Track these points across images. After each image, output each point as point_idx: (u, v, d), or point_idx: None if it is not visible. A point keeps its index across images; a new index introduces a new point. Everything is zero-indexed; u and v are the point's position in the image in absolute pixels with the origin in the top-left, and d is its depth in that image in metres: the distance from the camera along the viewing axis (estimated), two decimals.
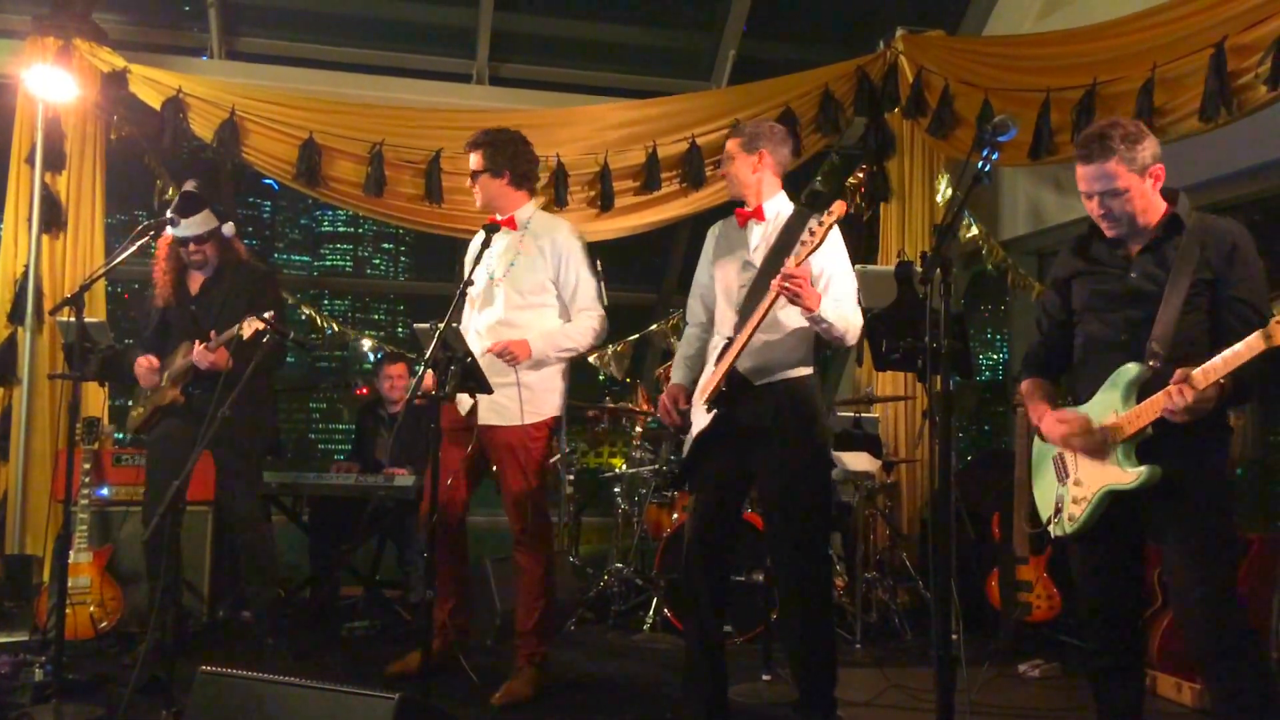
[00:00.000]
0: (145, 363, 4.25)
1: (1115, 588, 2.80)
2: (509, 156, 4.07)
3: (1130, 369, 2.64)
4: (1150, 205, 2.72)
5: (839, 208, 3.18)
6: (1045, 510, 2.88)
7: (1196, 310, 2.64)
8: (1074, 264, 2.88)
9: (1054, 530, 2.83)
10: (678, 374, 3.73)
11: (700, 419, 3.48)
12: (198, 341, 4.11)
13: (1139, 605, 2.88)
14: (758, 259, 3.48)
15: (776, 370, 3.43)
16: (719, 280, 3.60)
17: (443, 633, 4.08)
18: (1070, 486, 2.78)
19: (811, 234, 3.16)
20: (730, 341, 3.40)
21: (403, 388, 5.75)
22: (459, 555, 4.20)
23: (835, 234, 3.37)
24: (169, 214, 4.20)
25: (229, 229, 4.33)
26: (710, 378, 3.45)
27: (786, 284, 3.14)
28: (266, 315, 3.82)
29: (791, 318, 3.36)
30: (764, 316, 3.27)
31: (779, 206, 3.57)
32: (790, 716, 3.52)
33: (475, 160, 4.07)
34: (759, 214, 3.54)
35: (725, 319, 3.53)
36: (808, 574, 3.41)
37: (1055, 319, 2.95)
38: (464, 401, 3.91)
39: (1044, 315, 3.01)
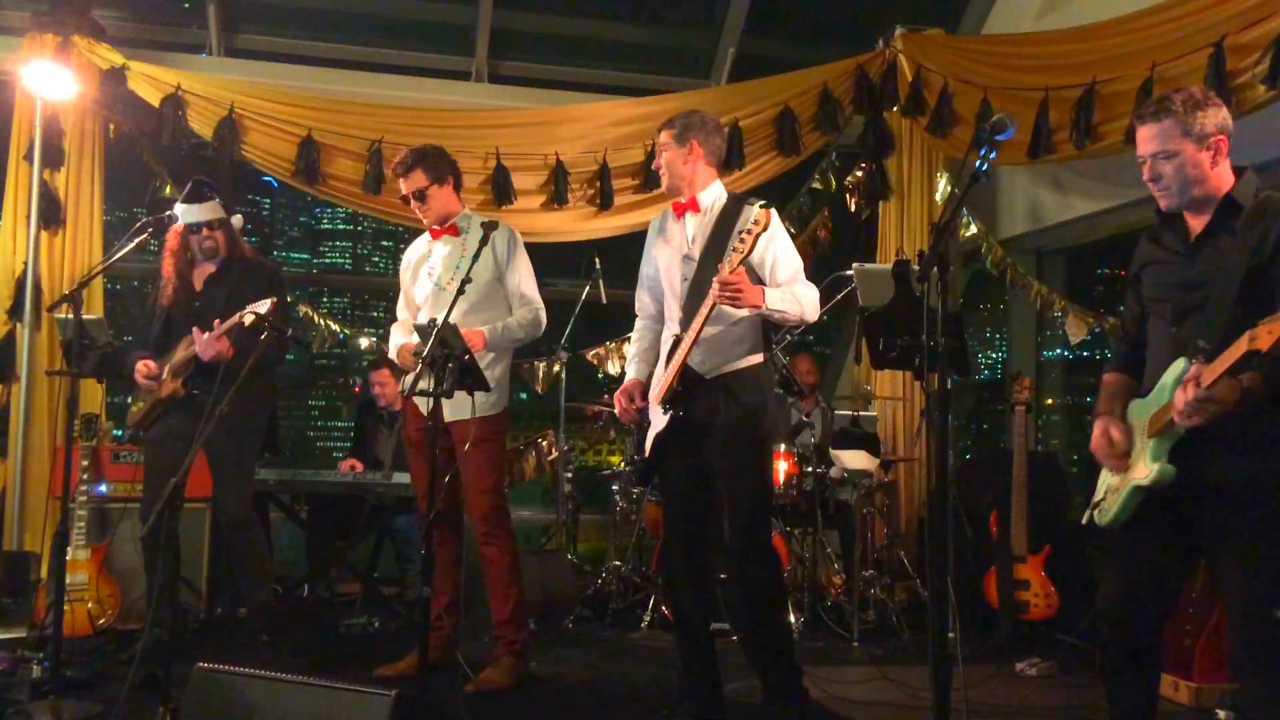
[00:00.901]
0: (144, 368, 4.22)
1: (1141, 585, 2.71)
2: (448, 163, 4.20)
3: (1178, 365, 2.54)
4: (1207, 176, 2.62)
5: (765, 217, 3.20)
6: (1096, 498, 2.81)
7: (1252, 299, 2.46)
8: (1145, 254, 2.81)
9: (1088, 516, 2.77)
10: (632, 369, 3.73)
11: (658, 417, 3.48)
12: (196, 330, 4.08)
13: (1163, 608, 2.77)
14: (696, 252, 3.49)
15: (727, 362, 3.44)
16: (663, 274, 3.62)
17: (435, 633, 4.10)
18: (1115, 478, 2.73)
19: (742, 241, 3.17)
20: (679, 339, 3.40)
21: (390, 393, 5.75)
22: (454, 554, 4.23)
23: (773, 221, 3.38)
24: (178, 204, 4.22)
25: (237, 221, 4.37)
26: (664, 377, 3.45)
27: (724, 292, 3.16)
28: (268, 302, 3.83)
29: (738, 309, 3.37)
30: (708, 316, 3.29)
31: (714, 196, 3.57)
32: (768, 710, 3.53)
33: (417, 179, 4.13)
34: (694, 205, 3.55)
35: (674, 314, 3.54)
36: (752, 562, 3.41)
37: (1132, 313, 2.87)
38: (422, 402, 3.96)
39: (1125, 309, 2.94)
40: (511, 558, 4.12)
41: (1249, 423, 2.44)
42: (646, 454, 3.55)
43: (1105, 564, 2.80)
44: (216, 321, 4.01)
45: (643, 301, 3.78)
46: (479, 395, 3.92)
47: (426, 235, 4.27)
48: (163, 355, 4.28)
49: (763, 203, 3.26)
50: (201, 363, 4.10)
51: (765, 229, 3.20)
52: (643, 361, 3.73)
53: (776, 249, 3.45)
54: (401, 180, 4.17)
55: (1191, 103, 2.60)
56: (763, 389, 3.49)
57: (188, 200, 4.25)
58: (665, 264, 3.60)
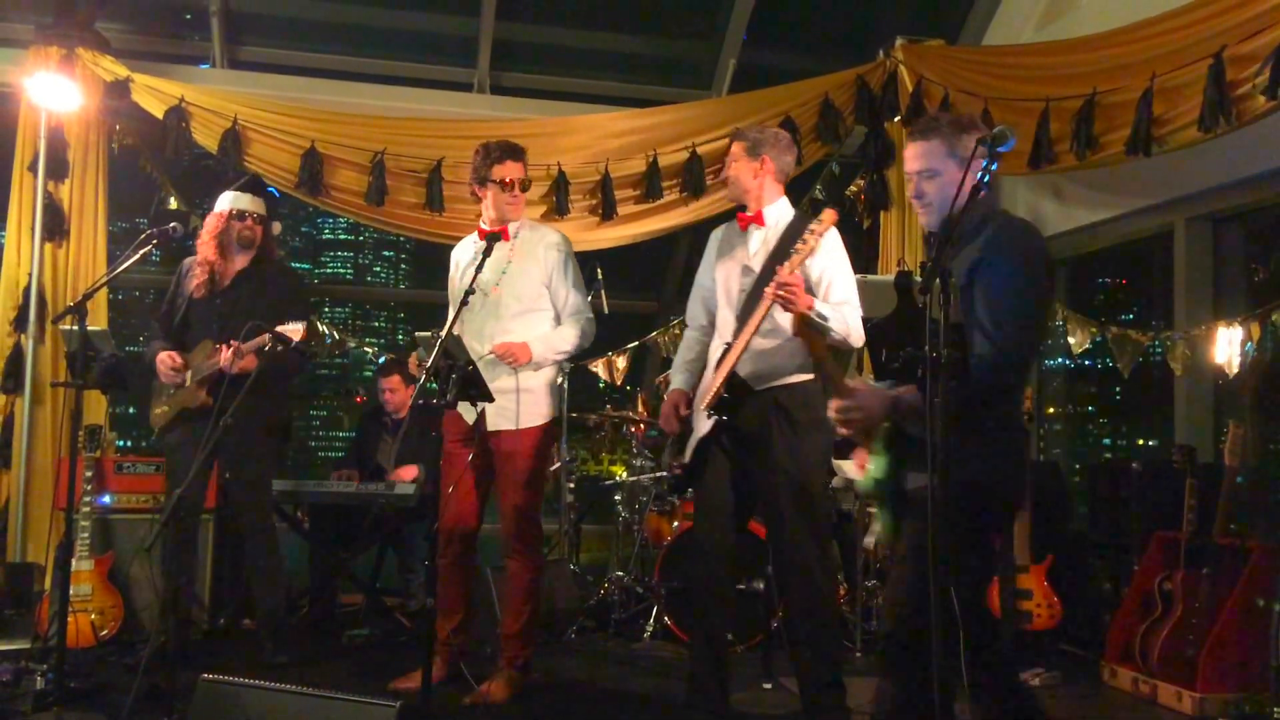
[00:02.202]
0: (168, 359, 4.25)
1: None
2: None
3: None
4: (963, 199, 2.68)
5: (829, 216, 3.21)
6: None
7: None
8: None
9: (873, 541, 2.95)
10: (678, 379, 3.74)
11: (702, 424, 3.49)
12: (224, 346, 4.11)
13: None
14: (757, 264, 3.50)
15: (777, 376, 3.44)
16: (720, 284, 3.63)
17: (444, 650, 4.09)
18: None
19: (804, 242, 3.18)
20: (730, 346, 3.41)
21: (398, 400, 5.75)
22: (466, 569, 4.19)
23: (834, 238, 3.40)
24: (230, 191, 4.39)
25: (276, 227, 4.47)
26: (710, 383, 3.46)
27: (780, 291, 3.16)
28: (300, 327, 3.94)
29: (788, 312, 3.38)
30: (760, 322, 3.29)
31: (780, 212, 3.59)
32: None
33: (523, 170, 4.11)
34: (759, 219, 3.57)
35: (726, 323, 3.55)
36: (807, 578, 3.42)
37: None
38: (470, 409, 3.96)
39: None
40: (533, 576, 4.09)
41: (928, 440, 2.53)
42: (686, 460, 3.57)
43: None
44: (233, 342, 4.02)
45: (694, 312, 3.80)
46: (523, 405, 3.94)
47: (473, 236, 4.22)
48: (180, 347, 4.33)
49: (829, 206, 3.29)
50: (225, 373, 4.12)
51: (829, 226, 3.21)
52: (689, 371, 3.74)
53: (835, 269, 3.46)
54: (510, 163, 4.04)
55: (958, 125, 2.69)
56: (812, 404, 3.46)
57: (243, 189, 4.42)
58: (724, 275, 3.61)
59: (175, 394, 4.30)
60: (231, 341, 4.02)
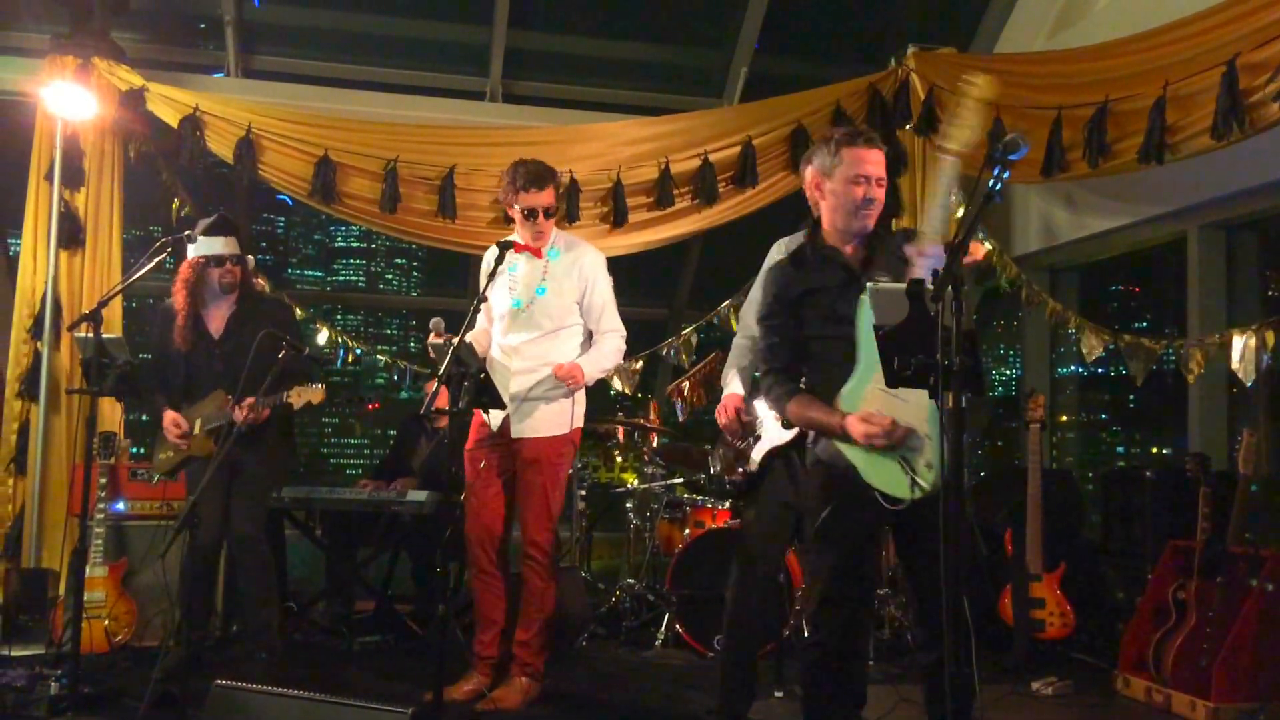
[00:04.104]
0: (174, 427, 4.27)
1: None
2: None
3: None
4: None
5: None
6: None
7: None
8: (800, 281, 3.00)
9: None
10: (736, 384, 3.71)
11: (777, 432, 3.45)
12: (237, 406, 4.05)
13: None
14: None
15: None
16: None
17: (483, 664, 4.09)
18: None
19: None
20: None
21: (439, 405, 5.74)
22: (498, 579, 4.17)
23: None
24: (195, 232, 4.20)
25: (249, 262, 4.45)
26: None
27: None
28: (320, 389, 3.99)
29: None
30: None
31: None
32: None
33: (551, 195, 4.11)
34: None
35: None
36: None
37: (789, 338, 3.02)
38: (494, 416, 3.99)
39: (778, 334, 3.04)
40: (548, 585, 4.10)
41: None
42: (753, 467, 3.56)
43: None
44: (251, 400, 4.00)
45: (749, 323, 3.78)
46: (548, 413, 3.94)
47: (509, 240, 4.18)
48: (186, 400, 4.32)
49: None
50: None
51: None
52: (745, 379, 3.71)
53: None
54: (535, 193, 4.04)
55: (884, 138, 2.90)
56: None
57: (213, 232, 4.27)
58: None
59: (180, 449, 4.33)
60: (248, 400, 3.98)
